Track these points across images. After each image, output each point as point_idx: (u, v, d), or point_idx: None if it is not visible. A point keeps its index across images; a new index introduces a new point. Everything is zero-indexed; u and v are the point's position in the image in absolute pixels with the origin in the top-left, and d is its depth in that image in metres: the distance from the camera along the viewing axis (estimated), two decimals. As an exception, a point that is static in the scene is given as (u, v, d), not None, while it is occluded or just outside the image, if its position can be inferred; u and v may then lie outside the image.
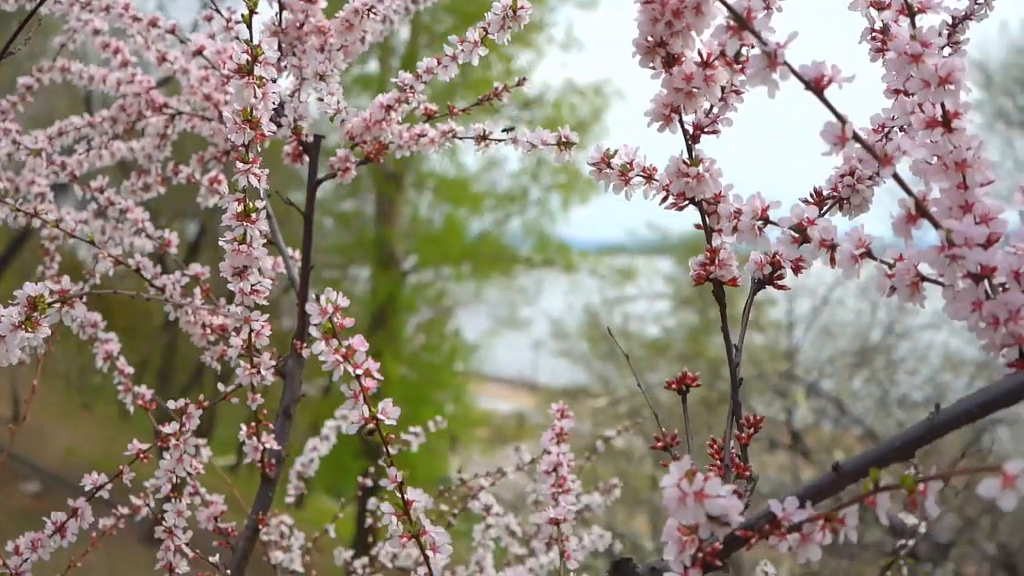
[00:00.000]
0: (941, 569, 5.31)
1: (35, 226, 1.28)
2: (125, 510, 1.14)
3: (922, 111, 0.55)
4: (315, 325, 0.62)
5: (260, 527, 1.00)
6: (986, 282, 0.54)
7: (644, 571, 0.58)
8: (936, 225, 0.52)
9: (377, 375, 0.64)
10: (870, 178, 0.68)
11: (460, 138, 0.99)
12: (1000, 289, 0.53)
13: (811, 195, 0.70)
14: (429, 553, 0.66)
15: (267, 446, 0.99)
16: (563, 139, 0.86)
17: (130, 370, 1.11)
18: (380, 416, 0.64)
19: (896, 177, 0.52)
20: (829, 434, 6.56)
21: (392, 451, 0.67)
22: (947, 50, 0.74)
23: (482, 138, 0.97)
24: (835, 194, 0.69)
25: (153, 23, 1.11)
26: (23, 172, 1.29)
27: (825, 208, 0.70)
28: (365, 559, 1.32)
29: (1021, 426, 6.68)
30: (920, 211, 0.52)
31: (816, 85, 0.51)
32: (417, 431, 1.42)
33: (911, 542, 1.11)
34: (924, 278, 0.55)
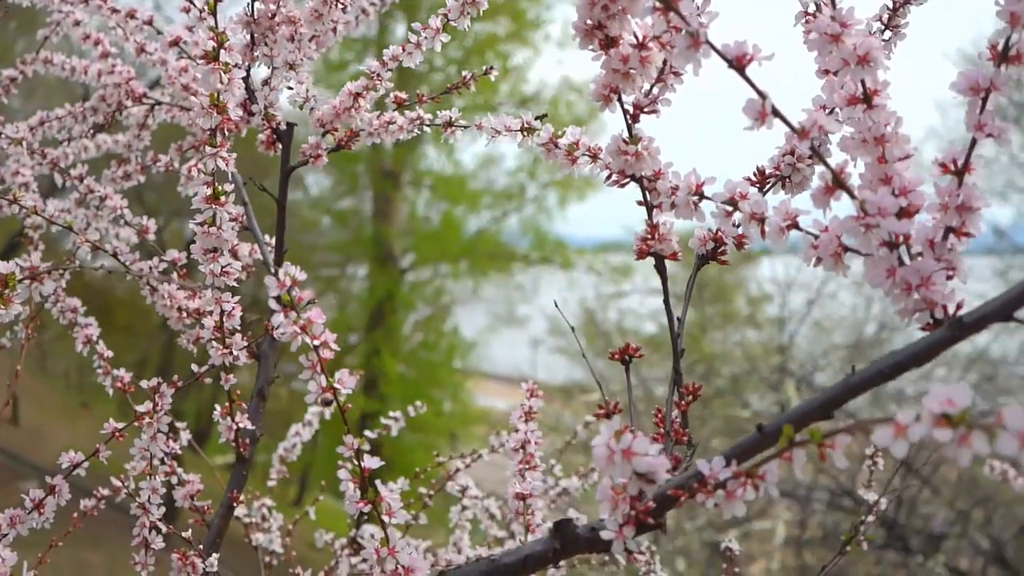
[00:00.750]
0: (932, 560, 5.35)
1: (17, 214, 1.31)
2: (105, 491, 1.17)
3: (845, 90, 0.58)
4: (273, 298, 0.65)
5: (234, 505, 1.03)
6: (904, 250, 0.56)
7: (583, 531, 0.61)
8: (852, 196, 0.55)
9: (334, 346, 0.66)
10: (809, 157, 0.71)
11: (428, 125, 1.02)
12: (918, 257, 0.56)
13: (753, 174, 0.73)
14: (385, 518, 0.68)
15: (241, 426, 1.01)
16: (526, 125, 0.88)
17: (109, 353, 1.14)
18: (337, 386, 0.66)
19: (814, 150, 0.54)
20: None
21: (356, 427, 0.69)
22: (888, 33, 0.77)
23: (448, 124, 0.99)
24: (777, 173, 0.72)
25: (131, 15, 1.14)
26: (7, 163, 1.32)
27: (768, 186, 0.72)
28: (344, 540, 1.36)
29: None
30: (837, 183, 0.55)
31: (738, 63, 0.54)
32: (397, 416, 1.45)
33: (870, 518, 1.14)
34: (847, 248, 0.58)
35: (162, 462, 0.99)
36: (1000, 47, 0.55)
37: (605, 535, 0.58)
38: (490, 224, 11.96)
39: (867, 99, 0.57)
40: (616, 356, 0.72)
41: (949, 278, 0.55)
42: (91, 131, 1.24)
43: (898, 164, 0.57)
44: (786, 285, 6.91)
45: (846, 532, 1.11)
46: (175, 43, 1.11)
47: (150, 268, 1.07)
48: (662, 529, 0.61)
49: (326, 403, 0.67)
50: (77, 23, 1.25)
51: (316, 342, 0.66)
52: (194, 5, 1.03)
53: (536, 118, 0.86)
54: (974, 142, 0.56)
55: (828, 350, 6.65)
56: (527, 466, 0.99)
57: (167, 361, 10.10)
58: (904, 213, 0.56)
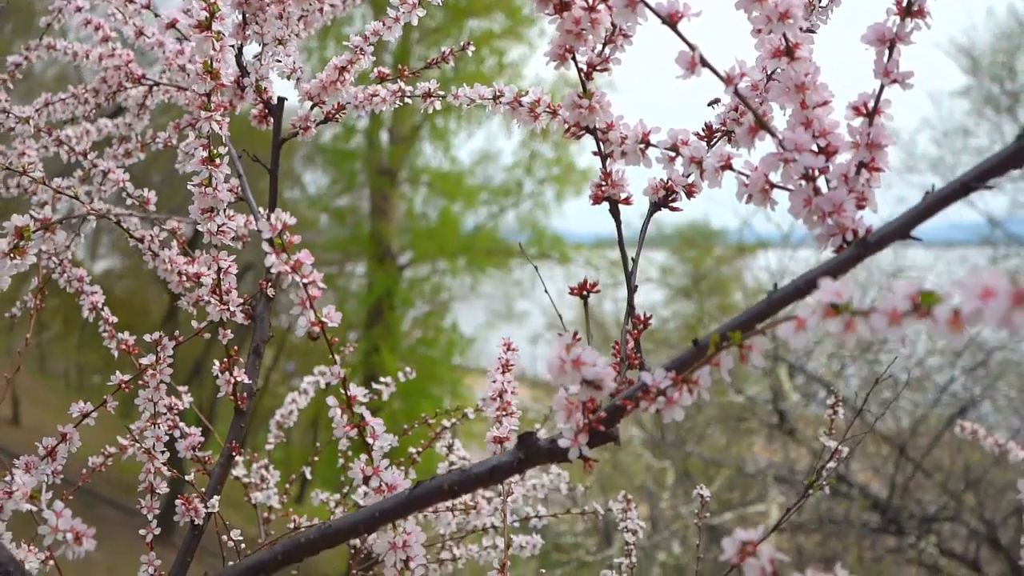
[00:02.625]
0: (924, 541, 5.42)
1: (25, 193, 1.38)
2: (112, 448, 1.24)
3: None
4: (266, 240, 0.72)
5: (233, 454, 1.10)
6: (824, 184, 0.64)
7: (544, 442, 0.68)
8: (772, 135, 0.62)
9: (321, 285, 0.73)
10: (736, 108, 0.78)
11: (409, 96, 1.09)
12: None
13: (702, 128, 0.80)
14: (369, 440, 0.76)
15: (238, 380, 1.08)
16: (497, 94, 0.95)
17: (114, 319, 1.21)
18: (324, 319, 0.74)
19: (737, 94, 0.62)
20: (817, 416, 6.66)
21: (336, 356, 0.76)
22: (825, 0, 0.84)
23: (428, 95, 1.06)
24: (723, 128, 0.79)
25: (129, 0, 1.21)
26: (13, 145, 1.39)
27: (715, 140, 0.79)
28: (338, 495, 1.43)
29: (1002, 402, 6.79)
30: (760, 124, 0.62)
31: (671, 20, 0.61)
32: (388, 381, 1.52)
33: (833, 464, 1.21)
34: (773, 185, 0.65)
35: (168, 410, 1.06)
36: (904, 3, 0.62)
37: (563, 443, 0.65)
38: (487, 220, 12.03)
39: (789, 52, 0.64)
40: (575, 291, 0.79)
41: (861, 207, 0.62)
42: (93, 112, 1.31)
43: (818, 109, 0.64)
44: (779, 274, 6.99)
45: (809, 478, 1.18)
46: (171, 25, 1.18)
47: (152, 236, 1.14)
48: (615, 440, 0.69)
49: (313, 336, 0.75)
50: (78, 9, 1.32)
51: (305, 280, 0.73)
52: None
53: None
54: (882, 87, 0.63)
55: (820, 337, 6.72)
56: (504, 413, 1.06)
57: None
58: (824, 152, 0.63)
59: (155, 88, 1.32)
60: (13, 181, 1.49)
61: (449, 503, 1.32)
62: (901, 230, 0.58)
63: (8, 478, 0.75)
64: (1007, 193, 9.16)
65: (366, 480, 0.75)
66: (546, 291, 1.04)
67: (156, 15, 1.19)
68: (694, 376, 0.60)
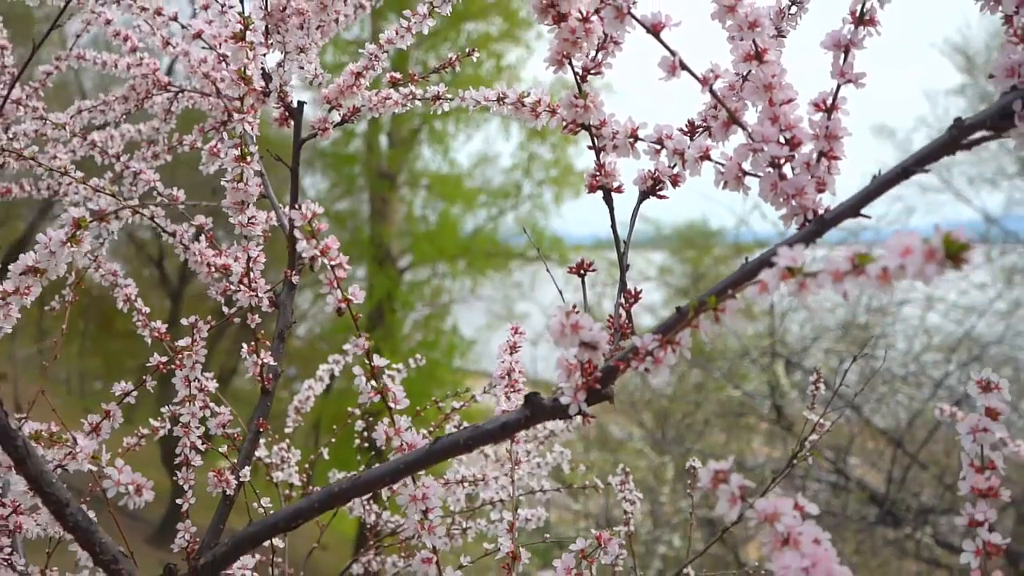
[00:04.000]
0: (921, 533, 5.51)
1: (59, 191, 1.47)
2: (145, 430, 1.33)
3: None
4: (297, 227, 0.81)
5: (260, 431, 1.19)
6: (789, 170, 0.73)
7: (548, 401, 0.77)
8: (743, 128, 0.71)
9: (347, 267, 0.83)
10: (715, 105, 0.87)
11: (420, 99, 1.18)
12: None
13: (686, 124, 0.89)
14: (392, 405, 0.85)
15: (265, 362, 1.18)
16: (501, 96, 1.05)
17: (147, 309, 1.30)
18: (350, 296, 0.83)
19: (712, 93, 0.71)
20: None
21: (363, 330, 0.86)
22: (793, 8, 0.93)
23: (437, 98, 1.16)
24: (704, 124, 0.88)
25: (158, 12, 1.30)
26: (45, 148, 1.49)
27: (696, 134, 0.89)
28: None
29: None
30: (732, 119, 0.71)
31: (655, 29, 0.71)
32: (400, 368, 1.61)
33: (813, 437, 1.30)
34: (745, 172, 0.74)
35: (200, 390, 1.15)
36: (858, 12, 0.72)
37: (564, 400, 0.75)
38: (486, 223, 12.13)
39: (758, 56, 0.74)
40: (573, 270, 0.88)
41: (821, 191, 0.71)
42: (123, 117, 1.40)
43: (784, 106, 0.74)
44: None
45: (794, 450, 1.27)
46: (198, 36, 1.27)
47: (182, 231, 1.23)
48: (610, 399, 0.78)
49: (340, 312, 0.84)
50: (108, 22, 1.42)
51: (333, 262, 0.82)
52: (217, 1, 1.19)
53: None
54: (839, 86, 0.72)
55: (819, 331, 6.83)
56: (512, 390, 1.15)
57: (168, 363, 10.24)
58: (789, 143, 0.73)
59: (180, 95, 1.41)
60: (43, 183, 1.58)
61: (460, 477, 1.42)
62: (853, 209, 0.67)
63: (71, 441, 0.84)
64: (1003, 191, 9.25)
65: (389, 440, 0.84)
66: (553, 281, 1.13)
67: (183, 27, 1.28)
68: (676, 338, 0.69)
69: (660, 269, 11.09)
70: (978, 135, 0.65)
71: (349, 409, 1.52)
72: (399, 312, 11.53)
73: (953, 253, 0.47)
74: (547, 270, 1.15)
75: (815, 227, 0.68)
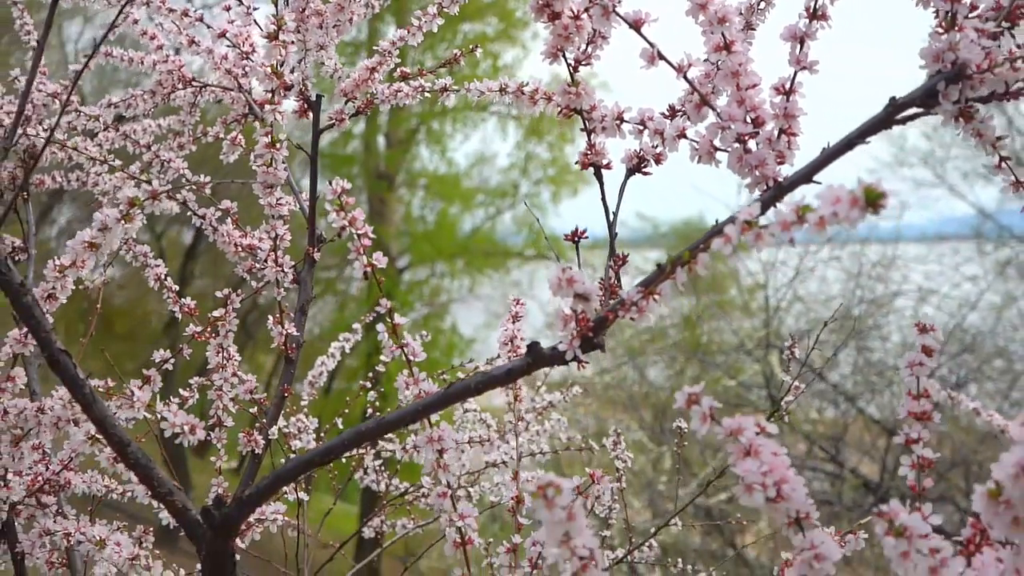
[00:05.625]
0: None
1: (84, 184, 1.59)
2: (177, 398, 1.44)
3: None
4: (328, 201, 0.93)
5: (285, 395, 1.30)
6: (754, 145, 0.84)
7: (547, 349, 0.89)
8: (713, 109, 0.83)
9: (371, 235, 0.94)
10: (711, 94, 0.98)
11: (428, 92, 1.30)
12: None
13: (667, 108, 1.00)
14: (411, 357, 0.96)
15: (289, 332, 1.29)
16: (503, 87, 1.16)
17: (176, 287, 1.41)
18: (374, 262, 0.95)
19: (686, 79, 0.83)
20: (807, 402, 6.88)
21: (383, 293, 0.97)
22: (762, 3, 1.05)
23: (444, 90, 1.27)
24: (682, 107, 1.00)
25: (185, 13, 1.42)
26: (75, 139, 1.60)
27: (676, 117, 1.00)
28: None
29: (989, 386, 7.01)
30: (703, 101, 0.83)
31: (636, 25, 0.82)
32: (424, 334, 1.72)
33: (790, 398, 1.41)
34: (716, 147, 0.86)
35: (228, 358, 1.26)
36: (811, 8, 0.83)
37: (561, 347, 0.86)
38: (484, 222, 12.24)
39: (727, 47, 0.85)
40: (568, 238, 0.99)
41: (780, 163, 0.83)
42: (151, 110, 1.51)
43: (749, 90, 0.85)
44: (769, 264, 7.22)
45: (771, 411, 1.39)
46: (222, 35, 1.39)
47: (210, 214, 1.35)
48: (601, 348, 0.89)
49: (366, 276, 0.95)
50: (136, 21, 1.53)
51: (359, 232, 0.94)
52: (241, 2, 1.31)
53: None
54: (796, 73, 0.84)
55: (815, 324, 6.96)
56: (514, 355, 1.26)
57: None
58: (754, 122, 0.84)
59: (203, 89, 1.53)
60: (73, 175, 1.70)
61: (467, 437, 1.54)
62: (805, 177, 0.79)
63: (128, 392, 0.95)
64: (997, 185, 9.35)
65: (407, 388, 0.96)
66: (561, 266, 1.25)
67: (208, 27, 1.40)
68: (657, 289, 0.81)
69: (657, 266, 11.18)
70: (911, 112, 0.77)
71: (360, 383, 1.63)
72: (398, 312, 11.63)
73: (872, 200, 0.59)
74: (556, 258, 1.26)
75: (774, 192, 0.79)
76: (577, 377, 2.64)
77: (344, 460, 1.68)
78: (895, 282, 7.39)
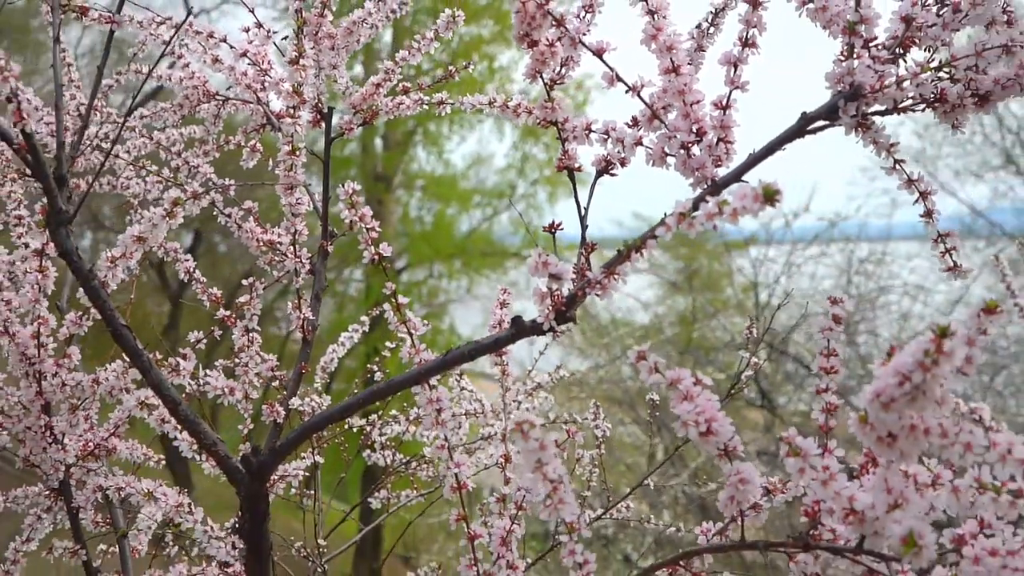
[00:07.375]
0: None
1: (114, 188, 1.76)
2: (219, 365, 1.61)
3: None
4: (342, 199, 1.10)
5: (303, 372, 1.48)
6: (697, 151, 1.02)
7: (528, 322, 1.06)
8: (662, 122, 1.01)
9: (378, 228, 1.12)
10: (663, 108, 1.16)
11: (427, 104, 1.47)
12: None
13: (631, 119, 1.18)
14: (413, 331, 1.14)
15: (306, 316, 1.47)
16: (492, 100, 1.34)
17: (204, 280, 1.59)
18: (381, 251, 1.12)
19: (639, 97, 1.00)
20: (799, 394, 7.06)
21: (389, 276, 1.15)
22: (711, 28, 1.22)
23: (441, 103, 1.45)
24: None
25: (210, 35, 1.59)
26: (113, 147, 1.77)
27: (638, 127, 1.18)
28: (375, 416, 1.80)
29: (974, 378, 7.18)
30: (654, 115, 1.01)
31: (599, 52, 1.00)
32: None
33: (748, 374, 1.58)
34: (666, 153, 1.04)
35: (250, 343, 1.44)
36: (743, 37, 1.01)
37: (539, 319, 1.04)
38: (481, 223, 12.41)
39: (675, 69, 1.03)
40: (547, 229, 1.17)
41: (718, 166, 1.01)
42: (180, 120, 1.69)
43: (694, 105, 1.03)
44: (759, 261, 7.41)
45: (731, 384, 1.56)
46: (243, 55, 1.56)
47: (235, 212, 1.52)
48: (573, 320, 1.07)
49: (373, 262, 1.13)
50: (166, 43, 1.70)
51: (368, 225, 1.12)
52: (260, 27, 1.49)
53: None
54: (731, 91, 1.02)
55: (807, 318, 7.15)
56: (503, 335, 1.44)
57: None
58: (697, 133, 1.02)
59: (226, 103, 1.70)
60: (104, 179, 1.87)
61: (463, 409, 1.72)
62: (734, 177, 0.96)
63: (175, 364, 1.13)
64: (988, 183, 9.54)
65: (410, 356, 1.14)
66: (538, 251, 1.43)
67: (231, 47, 1.57)
68: (617, 270, 0.98)
69: (653, 265, 11.39)
70: (820, 124, 0.95)
71: (368, 365, 1.81)
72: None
73: (769, 196, 0.77)
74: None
75: (710, 189, 0.97)
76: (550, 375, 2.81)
77: (354, 431, 1.85)
78: (884, 278, 7.58)
